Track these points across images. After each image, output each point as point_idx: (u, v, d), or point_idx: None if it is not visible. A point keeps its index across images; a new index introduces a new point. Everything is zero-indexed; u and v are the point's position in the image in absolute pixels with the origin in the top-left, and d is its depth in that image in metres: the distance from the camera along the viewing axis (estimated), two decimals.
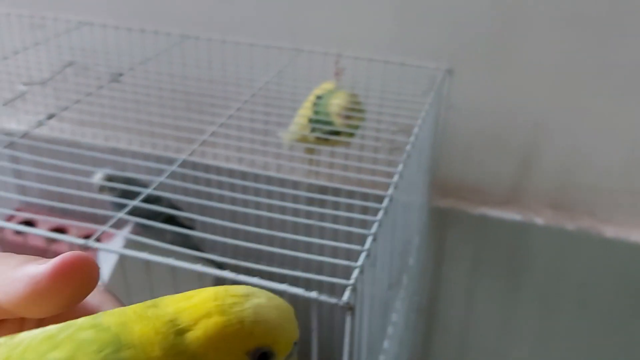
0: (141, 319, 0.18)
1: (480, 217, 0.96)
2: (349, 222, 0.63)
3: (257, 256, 1.03)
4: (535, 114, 0.93)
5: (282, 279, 0.50)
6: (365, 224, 0.60)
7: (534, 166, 0.96)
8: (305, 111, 0.82)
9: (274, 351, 0.19)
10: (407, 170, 0.65)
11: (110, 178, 0.74)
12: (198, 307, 0.19)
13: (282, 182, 0.98)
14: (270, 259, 1.00)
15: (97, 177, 0.75)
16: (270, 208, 0.94)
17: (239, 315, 0.19)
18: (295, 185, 0.95)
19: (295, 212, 0.74)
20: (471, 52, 0.90)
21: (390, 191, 0.59)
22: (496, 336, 1.06)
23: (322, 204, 0.74)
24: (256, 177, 0.98)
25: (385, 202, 0.58)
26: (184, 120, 0.78)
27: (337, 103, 0.78)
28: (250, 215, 0.72)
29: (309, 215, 0.71)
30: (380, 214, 0.56)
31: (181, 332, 0.18)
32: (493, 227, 0.96)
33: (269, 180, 0.98)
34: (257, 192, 0.80)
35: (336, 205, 0.74)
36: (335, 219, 0.63)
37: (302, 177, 0.94)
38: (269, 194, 0.72)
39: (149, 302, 0.19)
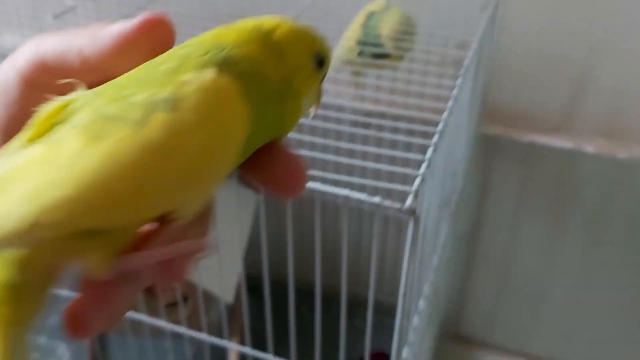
0: (229, 31, 0.22)
1: (529, 144, 0.94)
2: (399, 146, 0.61)
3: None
4: (590, 38, 0.89)
5: (340, 185, 0.50)
6: (410, 147, 0.59)
7: (587, 92, 0.93)
8: (353, 32, 0.80)
9: (326, 59, 0.25)
10: (465, 85, 0.63)
11: None
12: (272, 19, 0.23)
13: (325, 106, 0.96)
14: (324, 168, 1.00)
15: None
16: (313, 131, 0.93)
17: (303, 26, 0.24)
18: (340, 108, 0.94)
19: (339, 135, 0.73)
20: None
21: (450, 103, 0.58)
22: (539, 267, 1.06)
23: (366, 127, 0.73)
24: None
25: (446, 114, 0.56)
26: None
27: (389, 26, 0.76)
28: (291, 138, 0.71)
29: (352, 138, 0.70)
30: (440, 125, 0.55)
31: (267, 33, 0.23)
32: (542, 155, 0.94)
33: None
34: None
35: (385, 129, 0.72)
36: (382, 143, 0.62)
37: (348, 101, 0.93)
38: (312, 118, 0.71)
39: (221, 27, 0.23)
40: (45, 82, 0.22)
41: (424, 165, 0.51)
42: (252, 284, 0.81)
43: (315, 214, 0.53)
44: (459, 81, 0.61)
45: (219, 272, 0.71)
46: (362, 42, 0.78)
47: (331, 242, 1.10)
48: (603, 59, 0.90)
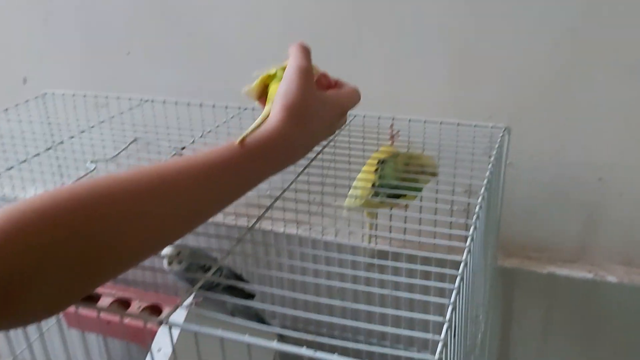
0: None
1: (549, 275, 0.92)
2: (417, 288, 0.61)
3: (318, 324, 1.01)
4: (598, 169, 0.91)
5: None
6: (428, 290, 0.59)
7: (601, 222, 0.93)
8: (366, 175, 0.82)
9: None
10: (478, 233, 0.63)
11: (178, 252, 0.75)
12: None
13: (340, 248, 0.97)
14: (331, 327, 0.98)
15: (166, 250, 0.76)
16: (329, 275, 0.93)
17: None
18: (354, 250, 0.94)
19: (355, 279, 0.72)
20: (529, 109, 0.90)
21: (464, 256, 0.58)
22: None
23: (382, 269, 0.73)
24: (314, 243, 0.98)
25: (461, 269, 0.56)
26: None
27: (429, 161, 0.78)
28: (309, 283, 0.70)
29: (369, 282, 0.70)
30: (457, 281, 0.55)
31: None
32: (563, 286, 0.93)
33: (327, 245, 0.97)
34: (315, 259, 0.79)
35: (401, 271, 0.72)
36: (398, 286, 0.61)
37: (361, 242, 0.94)
38: (328, 260, 0.71)
39: None
40: None
41: (444, 328, 0.50)
42: None
43: None
44: (471, 230, 0.62)
45: None
46: (378, 185, 0.79)
47: None
48: (613, 187, 0.91)
